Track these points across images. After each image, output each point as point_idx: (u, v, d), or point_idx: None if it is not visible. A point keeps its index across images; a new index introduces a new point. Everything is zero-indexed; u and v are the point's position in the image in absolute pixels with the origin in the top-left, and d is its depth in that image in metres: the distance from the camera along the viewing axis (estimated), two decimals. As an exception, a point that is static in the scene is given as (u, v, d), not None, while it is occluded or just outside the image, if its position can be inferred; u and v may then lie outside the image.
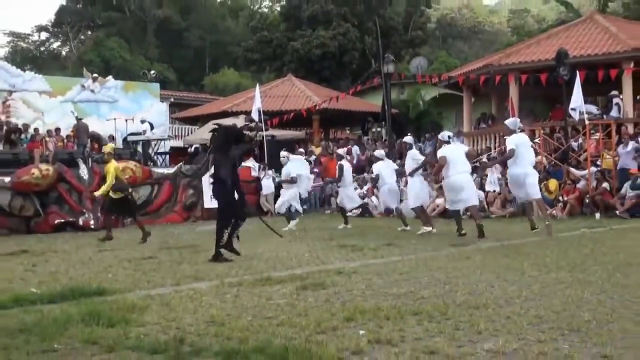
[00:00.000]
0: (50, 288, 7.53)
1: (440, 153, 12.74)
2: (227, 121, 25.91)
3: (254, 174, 21.02)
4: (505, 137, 13.12)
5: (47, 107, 24.79)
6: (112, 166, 13.33)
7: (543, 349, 4.46)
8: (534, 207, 12.76)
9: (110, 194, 13.53)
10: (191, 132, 31.90)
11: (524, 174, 11.98)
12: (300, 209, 15.83)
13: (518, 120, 13.78)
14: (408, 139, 15.08)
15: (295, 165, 15.77)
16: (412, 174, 13.63)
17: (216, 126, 10.89)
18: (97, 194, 14.24)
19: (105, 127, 24.03)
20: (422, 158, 14.15)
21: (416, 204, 13.71)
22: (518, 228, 13.70)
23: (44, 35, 59.67)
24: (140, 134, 24.13)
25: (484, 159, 18.26)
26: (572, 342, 4.64)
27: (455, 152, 12.54)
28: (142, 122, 24.65)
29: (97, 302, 6.54)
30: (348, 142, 27.73)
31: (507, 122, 13.24)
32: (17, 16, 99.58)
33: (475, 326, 5.14)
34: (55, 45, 60.35)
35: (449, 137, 13.13)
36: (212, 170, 10.71)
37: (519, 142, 11.95)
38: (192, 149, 26.63)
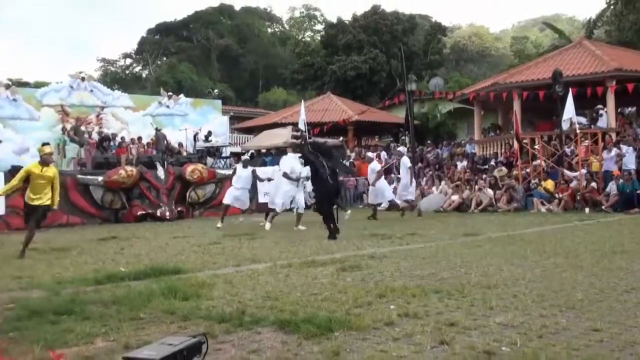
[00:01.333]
0: (135, 267, 7.63)
1: (374, 167, 15.83)
2: (277, 131, 26.21)
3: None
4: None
5: (131, 120, 25.13)
6: (52, 171, 9.82)
7: (545, 322, 4.41)
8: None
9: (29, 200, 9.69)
10: (247, 140, 32.08)
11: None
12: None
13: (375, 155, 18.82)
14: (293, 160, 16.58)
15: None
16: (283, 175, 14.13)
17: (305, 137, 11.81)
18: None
19: (177, 136, 24.31)
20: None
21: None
22: (521, 220, 13.51)
23: (128, 61, 60.65)
24: (198, 141, 24.49)
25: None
26: (568, 317, 4.58)
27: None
28: (195, 134, 24.87)
29: (174, 279, 6.59)
30: (377, 148, 27.59)
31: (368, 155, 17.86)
32: (108, 46, 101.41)
33: (488, 303, 5.08)
34: (137, 69, 61.20)
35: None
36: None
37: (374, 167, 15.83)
38: (249, 154, 26.78)
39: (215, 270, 7.40)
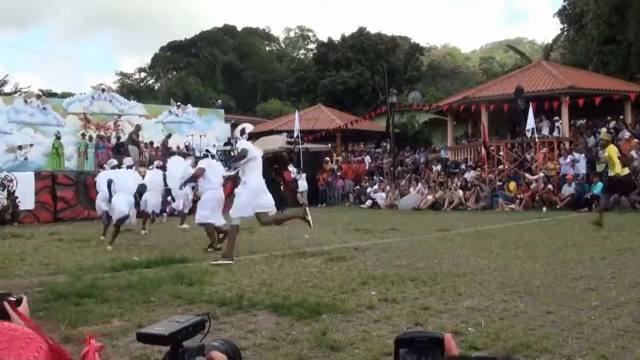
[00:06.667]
0: (147, 257, 7.65)
1: None
2: (273, 137, 26.15)
3: (293, 176, 21.03)
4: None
5: (144, 126, 24.96)
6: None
7: (506, 306, 4.47)
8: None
9: None
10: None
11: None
12: None
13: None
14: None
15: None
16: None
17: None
18: None
19: (185, 141, 24.19)
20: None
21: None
22: (487, 218, 13.59)
23: (143, 74, 60.25)
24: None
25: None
26: (526, 302, 4.65)
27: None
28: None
29: (181, 267, 6.63)
30: (362, 154, 27.64)
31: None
32: (126, 62, 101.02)
33: (457, 289, 5.13)
34: (151, 81, 60.69)
35: None
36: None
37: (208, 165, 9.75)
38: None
39: (217, 260, 7.41)
